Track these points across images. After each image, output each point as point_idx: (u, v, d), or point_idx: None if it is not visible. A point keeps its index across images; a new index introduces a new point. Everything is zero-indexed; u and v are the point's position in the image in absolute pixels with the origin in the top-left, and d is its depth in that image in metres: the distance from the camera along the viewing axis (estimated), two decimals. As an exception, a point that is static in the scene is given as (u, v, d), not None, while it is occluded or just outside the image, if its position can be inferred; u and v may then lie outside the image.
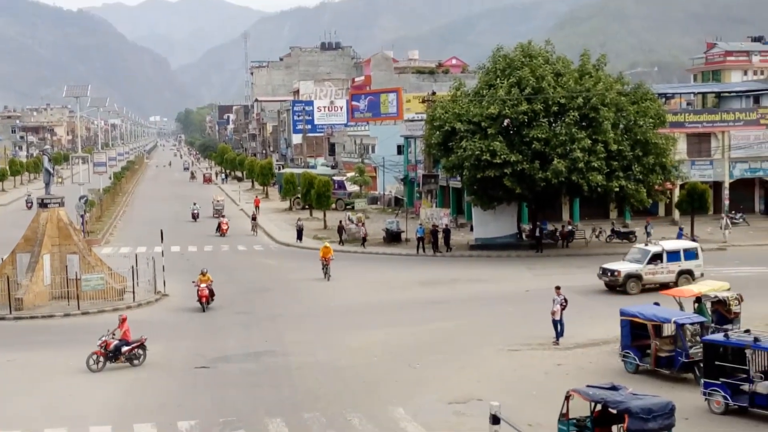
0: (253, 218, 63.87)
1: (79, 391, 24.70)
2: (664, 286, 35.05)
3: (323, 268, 41.81)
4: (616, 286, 36.60)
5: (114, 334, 27.25)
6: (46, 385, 25.34)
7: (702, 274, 36.73)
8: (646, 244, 38.49)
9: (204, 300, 34.98)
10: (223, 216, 63.53)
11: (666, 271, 36.80)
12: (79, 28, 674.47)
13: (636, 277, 36.55)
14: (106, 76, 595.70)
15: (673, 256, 37.08)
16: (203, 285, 35.03)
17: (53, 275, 37.30)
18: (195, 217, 70.06)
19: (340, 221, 56.98)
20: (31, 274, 36.35)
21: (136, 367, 26.83)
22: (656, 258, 36.76)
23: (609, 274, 36.97)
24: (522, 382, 24.30)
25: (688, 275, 36.61)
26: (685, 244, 39.52)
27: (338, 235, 54.18)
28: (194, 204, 71.87)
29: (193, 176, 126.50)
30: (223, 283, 41.98)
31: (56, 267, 37.48)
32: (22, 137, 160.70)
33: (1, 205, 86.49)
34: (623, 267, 37.00)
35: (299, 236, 54.95)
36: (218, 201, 74.37)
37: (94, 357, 26.71)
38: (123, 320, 27.76)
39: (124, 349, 26.96)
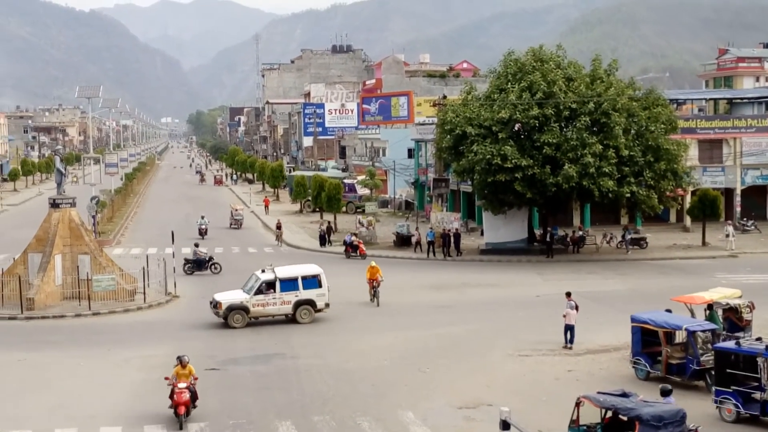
0: (278, 227, 58.08)
1: (90, 391, 24.78)
2: (291, 318, 33.07)
3: (371, 291, 36.88)
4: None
5: None
6: (56, 385, 25.43)
7: (327, 305, 33.49)
8: (263, 271, 33.78)
9: (183, 410, 21.52)
10: (354, 234, 52.47)
11: (280, 302, 32.82)
12: (91, 28, 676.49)
13: (241, 309, 32.51)
14: (118, 77, 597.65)
15: (289, 284, 32.95)
16: (182, 385, 21.83)
17: (64, 275, 37.45)
18: (203, 233, 59.00)
19: (327, 222, 57.03)
20: (42, 274, 36.48)
21: (146, 369, 26.88)
22: (268, 287, 32.79)
23: (213, 305, 33.02)
24: (532, 387, 24.26)
25: (309, 306, 33.04)
26: (305, 270, 34.40)
27: (320, 242, 54.43)
28: (202, 217, 60.72)
29: (203, 179, 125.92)
30: (233, 285, 42.06)
31: (67, 267, 37.62)
32: (34, 137, 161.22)
33: (13, 205, 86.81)
34: (227, 297, 33.08)
35: (323, 241, 54.54)
36: (237, 210, 67.52)
37: None
38: None
39: None
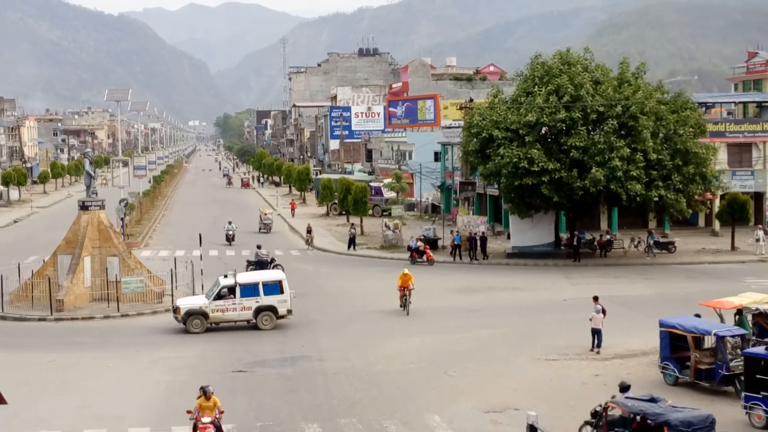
0: (309, 231, 57.50)
1: (118, 392, 24.97)
2: (253, 324, 32.73)
3: (402, 299, 35.49)
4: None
5: None
6: (85, 386, 25.65)
7: (290, 311, 32.99)
8: (226, 276, 33.75)
9: None
10: (420, 239, 50.36)
11: (240, 308, 32.57)
12: (120, 32, 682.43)
13: (200, 314, 32.36)
14: (146, 80, 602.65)
15: (249, 290, 32.66)
16: (206, 419, 19.44)
17: (93, 277, 37.77)
18: (230, 239, 57.91)
19: (352, 224, 57.42)
20: (71, 275, 36.82)
21: (174, 370, 27.04)
22: (229, 292, 32.68)
23: (174, 310, 33.18)
24: (559, 392, 24.17)
25: (270, 312, 32.63)
26: (266, 276, 34.49)
27: (348, 245, 54.50)
28: (229, 223, 59.30)
29: (230, 182, 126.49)
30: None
31: (96, 269, 37.93)
32: (63, 140, 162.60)
33: (43, 207, 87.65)
34: (186, 302, 33.15)
35: (351, 244, 54.36)
36: (266, 215, 66.93)
37: None
38: None
39: None
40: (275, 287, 32.98)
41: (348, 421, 21.94)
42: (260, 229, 65.32)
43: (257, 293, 32.78)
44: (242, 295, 32.72)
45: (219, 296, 32.72)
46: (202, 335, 32.16)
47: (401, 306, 35.55)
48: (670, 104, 47.66)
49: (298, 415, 22.46)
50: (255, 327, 32.80)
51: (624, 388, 19.72)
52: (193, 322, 32.39)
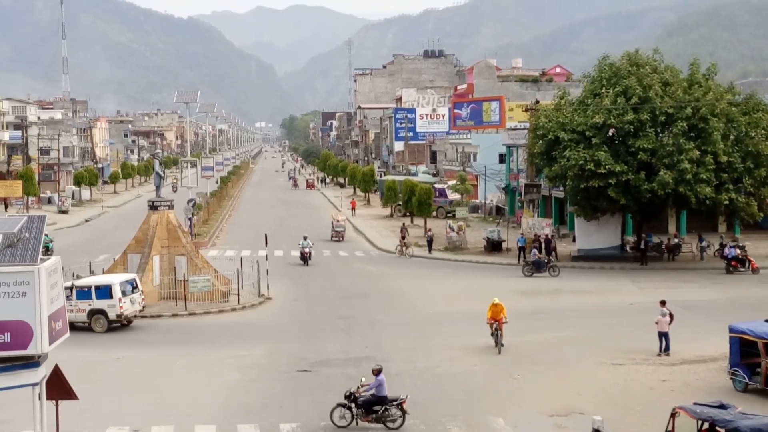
0: (403, 236, 54.31)
1: (185, 390, 25.36)
2: (88, 326, 33.14)
3: (494, 333, 29.50)
4: None
5: None
6: (152, 383, 26.10)
7: (120, 316, 33.24)
8: (73, 278, 35.13)
9: None
10: (739, 246, 45.67)
11: (76, 309, 32.96)
12: (189, 35, 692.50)
13: None
14: (214, 82, 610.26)
15: (83, 293, 33.46)
16: None
17: (162, 276, 38.45)
18: (306, 257, 49.89)
19: (403, 224, 58.19)
20: (141, 274, 37.47)
21: (240, 369, 27.35)
22: (68, 294, 32.18)
23: None
24: (625, 396, 23.87)
25: (101, 315, 33.30)
26: (98, 280, 35.11)
27: (401, 234, 55.01)
28: (304, 239, 50.40)
29: (295, 184, 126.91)
30: (325, 287, 42.65)
31: (165, 268, 38.59)
32: (133, 141, 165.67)
33: (114, 207, 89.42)
34: None
35: (430, 247, 54.02)
36: (339, 222, 62.47)
37: None
38: None
39: None
40: (105, 291, 33.44)
41: (411, 422, 21.93)
42: (332, 237, 61.32)
43: (90, 296, 33.47)
44: (77, 298, 33.38)
45: None
46: (269, 335, 32.49)
47: (495, 343, 29.39)
48: (741, 106, 46.75)
49: (361, 415, 22.54)
50: (90, 329, 33.21)
51: (377, 371, 21.71)
52: None
